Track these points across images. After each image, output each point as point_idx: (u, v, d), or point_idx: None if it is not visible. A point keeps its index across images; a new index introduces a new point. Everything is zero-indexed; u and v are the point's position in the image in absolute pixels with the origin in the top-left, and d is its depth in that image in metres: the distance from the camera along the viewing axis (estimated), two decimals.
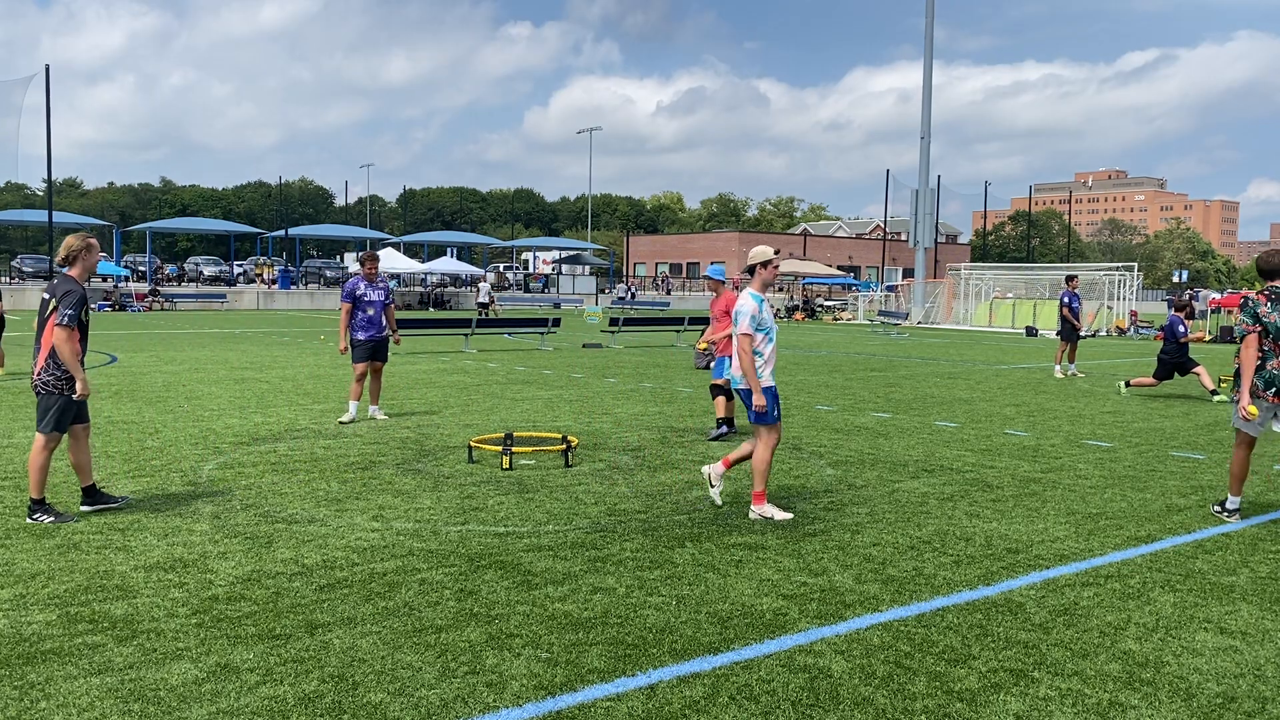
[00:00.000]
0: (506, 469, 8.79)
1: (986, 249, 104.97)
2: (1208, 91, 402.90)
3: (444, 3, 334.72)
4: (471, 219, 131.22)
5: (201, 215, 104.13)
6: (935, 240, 51.41)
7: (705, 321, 23.45)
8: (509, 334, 28.53)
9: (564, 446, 9.16)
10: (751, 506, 7.30)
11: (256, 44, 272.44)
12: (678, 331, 27.53)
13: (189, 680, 4.27)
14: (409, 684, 4.28)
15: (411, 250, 76.39)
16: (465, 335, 24.08)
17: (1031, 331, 36.59)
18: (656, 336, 29.30)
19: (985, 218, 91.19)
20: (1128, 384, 16.00)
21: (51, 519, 6.81)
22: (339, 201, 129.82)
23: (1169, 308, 30.28)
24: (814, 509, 7.55)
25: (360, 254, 12.28)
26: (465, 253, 79.07)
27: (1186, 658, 4.75)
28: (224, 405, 12.71)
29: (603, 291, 66.99)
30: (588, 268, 74.64)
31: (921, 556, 6.34)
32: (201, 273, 60.23)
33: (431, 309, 54.00)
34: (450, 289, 61.31)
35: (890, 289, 54.43)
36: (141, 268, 60.16)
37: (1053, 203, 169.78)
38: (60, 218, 53.28)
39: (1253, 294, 7.34)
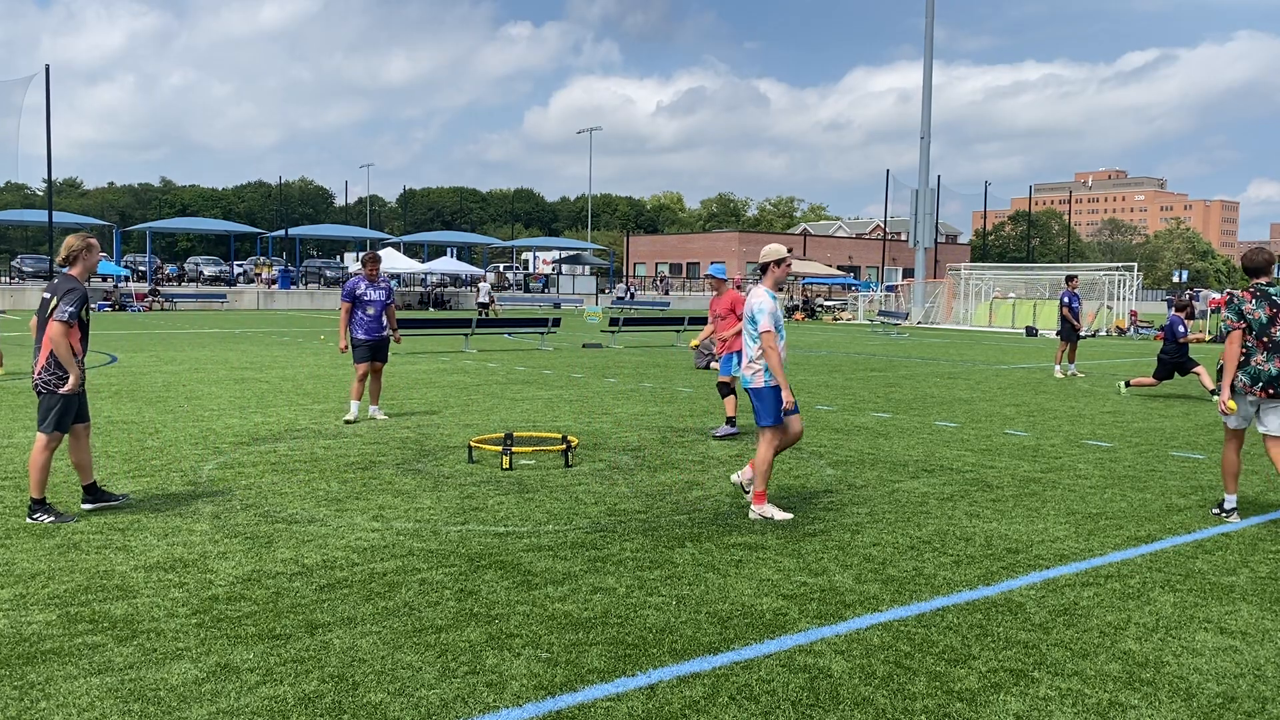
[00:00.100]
0: (506, 469, 8.79)
1: (986, 249, 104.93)
2: (1208, 91, 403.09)
3: (444, 3, 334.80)
4: (471, 219, 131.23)
5: (201, 215, 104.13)
6: (935, 240, 51.40)
7: (704, 321, 23.45)
8: (509, 334, 28.54)
9: (564, 446, 9.16)
10: (751, 506, 7.30)
11: (256, 44, 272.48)
12: (677, 331, 27.54)
13: (189, 680, 4.28)
14: (409, 684, 4.28)
15: (411, 250, 76.42)
16: (465, 335, 24.09)
17: (1031, 331, 36.58)
18: (656, 336, 29.30)
19: (985, 218, 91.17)
20: (1128, 384, 16.01)
21: (52, 519, 6.81)
22: (339, 201, 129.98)
23: (1169, 308, 30.32)
24: (814, 509, 7.55)
25: (362, 254, 12.30)
26: (465, 253, 79.11)
27: (1186, 658, 4.75)
28: (224, 405, 12.72)
29: (602, 291, 67.01)
30: (588, 268, 74.66)
31: (921, 556, 6.34)
32: (201, 273, 60.30)
33: (431, 309, 54.01)
34: (450, 289, 61.33)
35: (890, 289, 54.40)
36: (141, 268, 60.19)
37: (1053, 203, 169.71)
38: (60, 218, 53.29)
39: (1239, 291, 7.45)
